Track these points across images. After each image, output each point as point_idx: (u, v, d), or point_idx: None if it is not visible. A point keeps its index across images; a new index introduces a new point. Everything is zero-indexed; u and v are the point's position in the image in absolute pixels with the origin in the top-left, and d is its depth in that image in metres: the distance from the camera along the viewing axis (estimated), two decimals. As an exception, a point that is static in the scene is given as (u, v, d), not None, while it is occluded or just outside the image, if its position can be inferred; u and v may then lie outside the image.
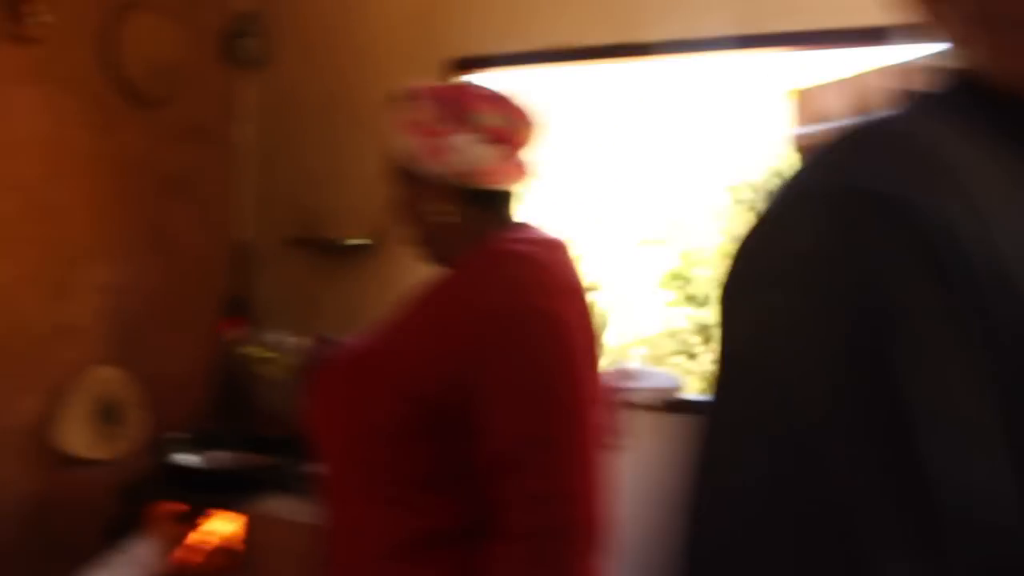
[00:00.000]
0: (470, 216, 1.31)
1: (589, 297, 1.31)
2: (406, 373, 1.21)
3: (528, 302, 1.19)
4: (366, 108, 3.02)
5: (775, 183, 0.51)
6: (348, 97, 3.04)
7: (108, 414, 2.57)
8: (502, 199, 1.34)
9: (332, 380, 1.34)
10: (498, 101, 1.29)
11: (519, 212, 1.37)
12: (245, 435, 2.67)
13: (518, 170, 1.32)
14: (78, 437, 2.46)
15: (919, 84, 0.56)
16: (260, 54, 3.10)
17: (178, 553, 2.26)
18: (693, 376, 5.69)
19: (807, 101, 3.80)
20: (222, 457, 2.59)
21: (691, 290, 6.98)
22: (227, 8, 3.09)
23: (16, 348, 2.30)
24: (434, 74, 2.90)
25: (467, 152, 1.27)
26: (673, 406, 2.58)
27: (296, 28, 3.14)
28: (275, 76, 3.13)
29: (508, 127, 1.29)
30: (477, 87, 1.34)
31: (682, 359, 6.51)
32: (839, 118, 3.64)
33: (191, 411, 2.95)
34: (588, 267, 1.38)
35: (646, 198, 7.01)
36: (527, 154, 1.32)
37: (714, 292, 0.63)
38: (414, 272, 2.94)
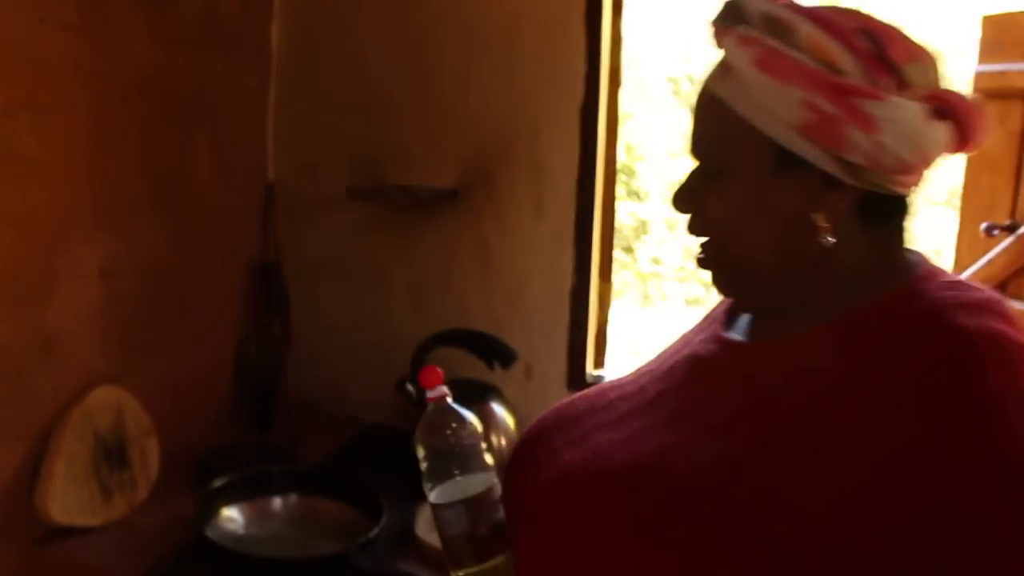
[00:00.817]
0: (864, 242, 0.79)
1: None
2: (823, 543, 0.66)
3: None
4: (456, 8, 2.14)
5: None
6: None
7: (109, 455, 1.78)
8: (903, 216, 0.82)
9: (581, 523, 0.78)
10: (925, 48, 0.77)
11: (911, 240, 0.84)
12: (297, 472, 1.92)
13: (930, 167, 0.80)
14: (69, 497, 1.67)
15: None
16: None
17: None
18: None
19: (1003, 31, 3.00)
20: (276, 512, 1.84)
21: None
22: None
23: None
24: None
25: (909, 128, 0.73)
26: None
27: None
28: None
29: (950, 94, 0.75)
30: (893, 23, 0.77)
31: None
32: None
33: (213, 423, 2.17)
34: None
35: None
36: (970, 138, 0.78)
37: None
38: (512, 233, 2.14)
